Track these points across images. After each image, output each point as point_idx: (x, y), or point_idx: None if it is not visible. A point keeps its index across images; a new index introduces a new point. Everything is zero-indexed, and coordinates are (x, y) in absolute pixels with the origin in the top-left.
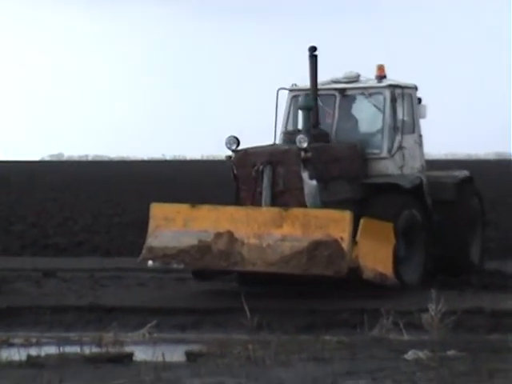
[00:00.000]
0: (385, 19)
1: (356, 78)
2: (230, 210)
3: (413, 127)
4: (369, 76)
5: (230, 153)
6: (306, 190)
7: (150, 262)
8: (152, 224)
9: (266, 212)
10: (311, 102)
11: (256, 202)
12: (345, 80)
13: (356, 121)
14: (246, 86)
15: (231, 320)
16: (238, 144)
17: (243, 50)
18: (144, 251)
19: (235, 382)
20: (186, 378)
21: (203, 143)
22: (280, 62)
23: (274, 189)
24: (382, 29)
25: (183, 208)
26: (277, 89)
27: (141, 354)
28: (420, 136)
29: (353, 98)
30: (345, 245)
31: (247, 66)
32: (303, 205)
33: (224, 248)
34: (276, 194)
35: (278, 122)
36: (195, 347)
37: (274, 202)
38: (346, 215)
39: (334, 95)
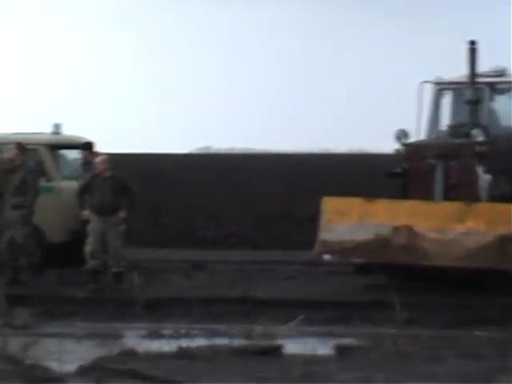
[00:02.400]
0: None
1: (503, 72)
2: (408, 204)
3: None
4: None
5: (398, 146)
6: (481, 184)
7: (327, 256)
8: (324, 218)
9: (448, 206)
10: (478, 95)
11: (427, 195)
12: (493, 74)
13: (507, 114)
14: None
15: (380, 314)
16: (408, 137)
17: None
18: (317, 245)
19: (385, 376)
20: (334, 372)
21: (348, 136)
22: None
23: (446, 182)
24: None
25: (357, 202)
26: (420, 82)
27: (290, 347)
28: None
29: (502, 92)
30: None
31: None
32: (476, 199)
33: (404, 242)
34: (448, 187)
35: (421, 115)
36: (344, 341)
37: (446, 196)
38: None
39: (482, 89)
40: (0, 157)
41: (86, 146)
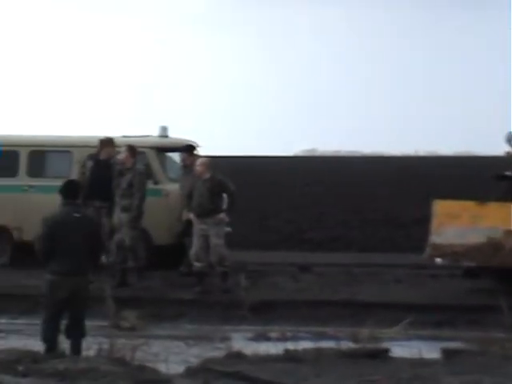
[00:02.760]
0: None
1: None
2: None
3: None
4: None
5: (509, 148)
6: None
7: (438, 260)
8: (435, 221)
9: None
10: None
11: None
12: None
13: None
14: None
15: (488, 318)
16: None
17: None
18: (429, 248)
19: (493, 380)
20: (442, 376)
21: (454, 138)
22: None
23: None
24: None
25: (469, 205)
26: None
27: (397, 350)
28: None
29: None
30: None
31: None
32: None
33: None
34: None
35: None
36: (451, 344)
37: None
38: None
39: None
40: (115, 158)
41: (186, 149)
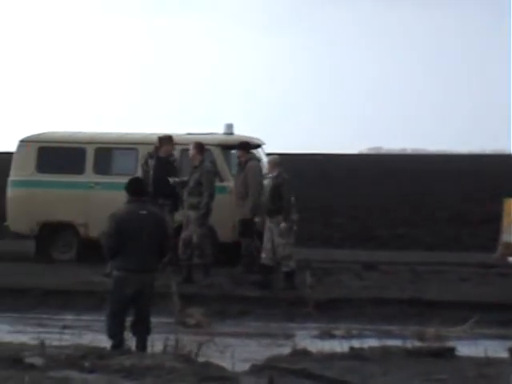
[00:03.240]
0: None
1: None
2: None
3: None
4: None
5: None
6: None
7: (511, 259)
8: (507, 220)
9: None
10: None
11: None
12: None
13: None
14: None
15: None
16: None
17: None
18: (500, 247)
19: None
20: (509, 375)
21: None
22: None
23: None
24: None
25: None
26: None
27: (463, 349)
28: None
29: None
30: None
31: None
32: None
33: None
34: None
35: None
36: None
37: None
38: None
39: None
40: (174, 156)
41: (241, 146)
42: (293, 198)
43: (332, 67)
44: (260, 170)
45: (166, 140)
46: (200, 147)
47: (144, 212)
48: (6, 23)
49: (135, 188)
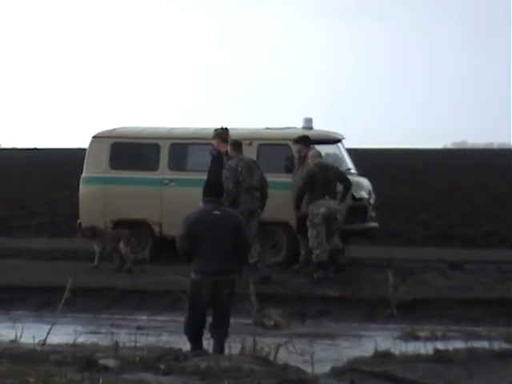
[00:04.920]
0: None
1: None
2: None
3: None
4: None
5: None
6: None
7: None
8: None
9: None
10: None
11: None
12: None
13: None
14: None
15: None
16: None
17: None
18: None
19: None
20: None
21: None
22: None
23: None
24: None
25: None
26: None
27: None
28: None
29: None
30: None
31: None
32: None
33: None
34: None
35: None
36: None
37: None
38: None
39: None
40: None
41: (300, 140)
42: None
43: (413, 59)
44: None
45: (214, 134)
46: (235, 145)
47: (217, 212)
48: (74, 18)
49: (211, 189)
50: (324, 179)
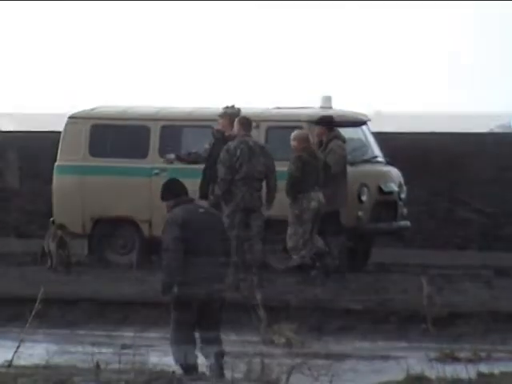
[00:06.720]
0: None
1: None
2: None
3: None
4: None
5: None
6: None
7: None
8: None
9: None
10: None
11: None
12: None
13: None
14: None
15: None
16: None
17: None
18: None
19: None
20: None
21: None
22: None
23: None
24: None
25: None
26: None
27: None
28: None
29: None
30: None
31: None
32: None
33: None
34: None
35: None
36: None
37: None
38: None
39: None
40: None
41: (321, 121)
42: None
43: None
44: (344, 153)
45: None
46: (244, 123)
47: (202, 210)
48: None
49: (173, 189)
50: (314, 167)
